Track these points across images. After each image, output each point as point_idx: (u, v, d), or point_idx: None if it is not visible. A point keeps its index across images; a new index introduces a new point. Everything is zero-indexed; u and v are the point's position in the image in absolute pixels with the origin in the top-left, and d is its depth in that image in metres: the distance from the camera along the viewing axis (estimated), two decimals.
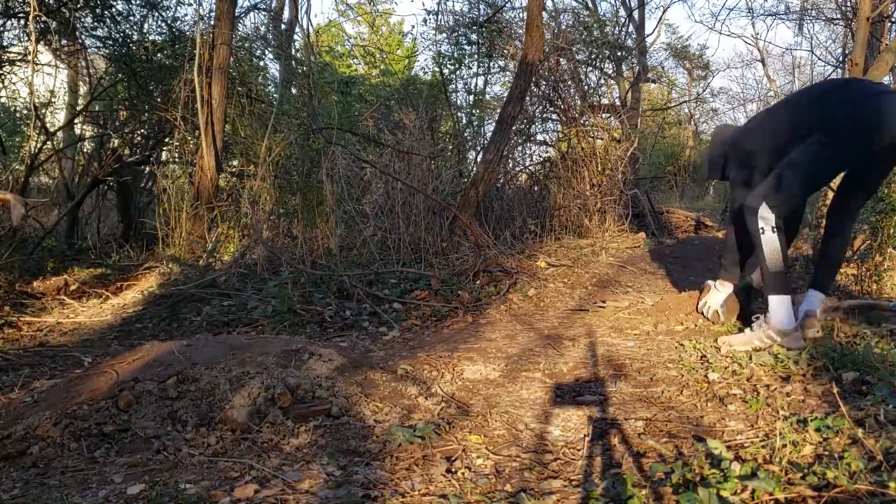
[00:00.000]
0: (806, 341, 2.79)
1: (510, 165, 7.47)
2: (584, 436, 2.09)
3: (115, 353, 3.21)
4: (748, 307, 3.47)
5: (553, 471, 1.80)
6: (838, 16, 13.28)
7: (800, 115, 3.11)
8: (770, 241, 2.94)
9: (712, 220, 9.42)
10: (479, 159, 7.37)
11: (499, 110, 7.00)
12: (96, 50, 6.77)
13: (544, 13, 6.86)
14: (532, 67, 6.09)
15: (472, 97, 9.05)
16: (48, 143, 5.97)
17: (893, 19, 8.49)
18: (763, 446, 1.79)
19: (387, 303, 4.30)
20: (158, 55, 6.56)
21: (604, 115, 8.94)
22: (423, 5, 34.42)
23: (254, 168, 5.88)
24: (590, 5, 13.62)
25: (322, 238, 5.22)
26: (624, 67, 12.52)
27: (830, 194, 5.47)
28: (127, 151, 6.85)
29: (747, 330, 3.07)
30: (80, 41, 6.49)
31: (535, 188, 7.46)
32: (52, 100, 6.93)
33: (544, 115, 8.04)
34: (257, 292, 4.29)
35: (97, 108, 7.04)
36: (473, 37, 8.88)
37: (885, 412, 1.85)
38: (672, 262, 6.12)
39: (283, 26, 10.08)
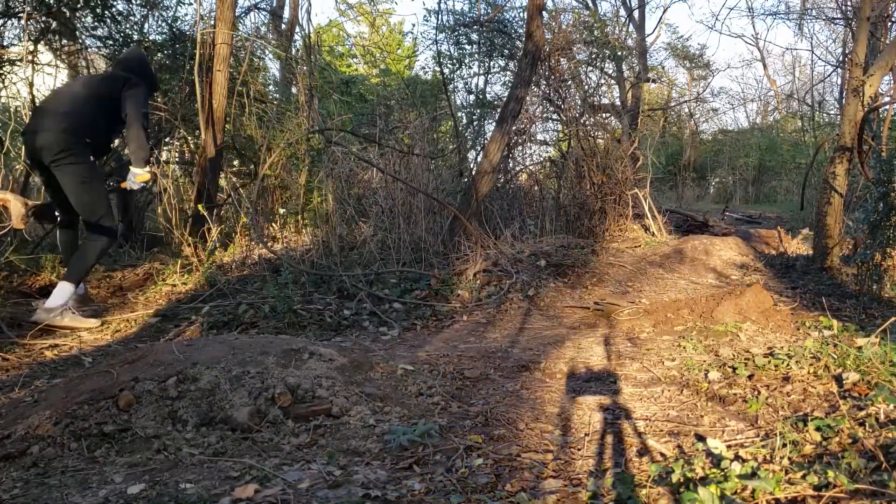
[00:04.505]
0: None
1: (510, 165, 7.46)
2: (585, 435, 2.09)
3: (115, 353, 3.21)
4: None
5: (553, 471, 1.80)
6: (838, 15, 13.28)
7: None
8: None
9: (712, 220, 9.42)
10: (479, 159, 7.37)
11: (499, 111, 7.00)
12: (96, 50, 6.76)
13: (544, 13, 6.85)
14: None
15: (472, 97, 9.06)
16: None
17: (893, 19, 8.49)
18: (763, 446, 1.79)
19: (387, 303, 4.30)
20: (158, 55, 6.56)
21: (604, 115, 8.93)
22: (424, 5, 34.44)
23: (254, 168, 5.88)
24: (590, 5, 13.62)
25: (322, 237, 5.22)
26: (624, 67, 12.52)
27: (835, 196, 5.48)
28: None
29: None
30: (80, 41, 6.48)
31: (536, 188, 7.46)
32: None
33: (545, 115, 8.04)
34: (257, 292, 4.29)
35: None
36: (474, 36, 8.88)
37: (884, 412, 1.85)
38: (672, 261, 6.13)
39: (283, 26, 10.09)
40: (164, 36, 6.77)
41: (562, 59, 7.53)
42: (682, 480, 1.58)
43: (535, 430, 2.14)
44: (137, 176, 3.95)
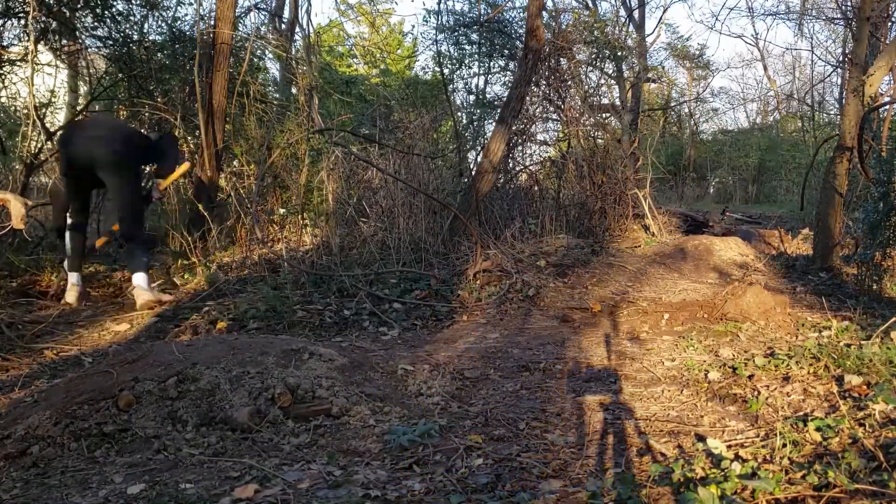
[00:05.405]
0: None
1: (510, 165, 7.46)
2: (584, 435, 2.09)
3: (115, 353, 3.21)
4: None
5: (553, 471, 1.80)
6: (838, 15, 13.29)
7: None
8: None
9: (713, 220, 9.43)
10: (479, 159, 7.37)
11: (499, 110, 7.00)
12: (96, 50, 6.76)
13: (544, 13, 6.85)
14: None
15: (472, 97, 9.06)
16: (48, 143, 5.97)
17: (893, 19, 8.49)
18: (763, 446, 1.79)
19: (387, 303, 4.30)
20: (158, 55, 6.55)
21: (604, 115, 8.93)
22: (424, 5, 34.44)
23: (254, 168, 5.88)
24: (590, 5, 13.61)
25: (322, 237, 5.22)
26: (624, 67, 12.52)
27: (836, 197, 5.46)
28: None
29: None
30: (80, 41, 6.48)
31: (535, 188, 7.45)
32: (52, 100, 6.92)
33: (545, 115, 8.04)
34: (257, 292, 4.28)
35: (97, 108, 7.04)
36: (474, 36, 8.88)
37: (884, 412, 1.85)
38: (673, 261, 6.13)
39: (282, 26, 10.08)
40: (164, 36, 6.77)
41: (562, 60, 7.53)
42: (682, 480, 1.58)
43: (535, 430, 2.14)
44: None
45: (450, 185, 6.78)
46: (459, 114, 8.67)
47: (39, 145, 5.73)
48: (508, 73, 9.00)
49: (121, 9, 6.46)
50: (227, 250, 5.30)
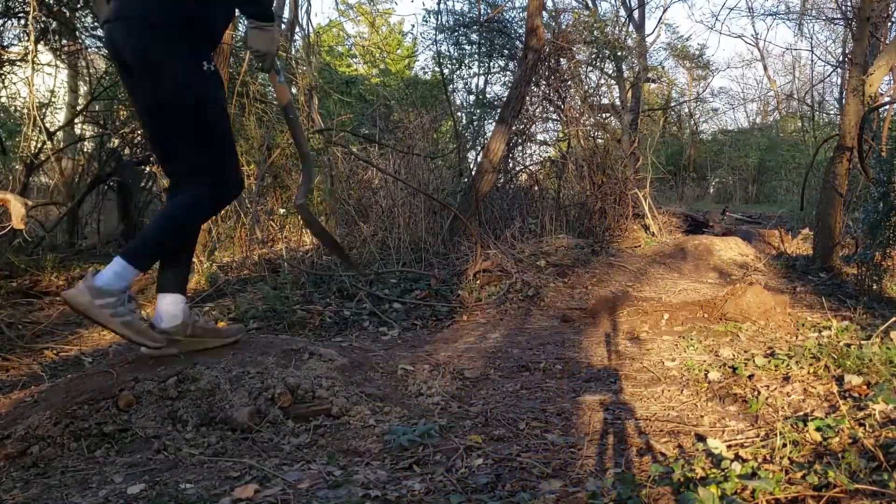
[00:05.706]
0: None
1: (510, 165, 7.47)
2: (584, 435, 2.09)
3: (115, 353, 3.21)
4: None
5: (553, 470, 1.80)
6: (838, 15, 13.30)
7: None
8: None
9: (713, 220, 9.43)
10: (479, 159, 7.37)
11: (499, 110, 7.00)
12: (96, 50, 6.77)
13: (544, 13, 6.85)
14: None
15: (472, 97, 9.06)
16: (48, 143, 5.97)
17: (893, 19, 8.49)
18: (763, 446, 1.79)
19: (387, 303, 4.30)
20: None
21: (604, 115, 8.93)
22: (424, 5, 34.43)
23: (254, 168, 5.88)
24: (590, 5, 13.62)
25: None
26: (624, 67, 12.53)
27: (837, 197, 5.46)
28: (127, 151, 6.84)
29: None
30: (80, 41, 6.48)
31: (535, 188, 7.46)
32: (52, 100, 6.93)
33: (545, 115, 8.04)
34: (257, 292, 4.29)
35: (97, 108, 7.04)
36: (474, 37, 8.88)
37: (884, 412, 1.85)
38: (673, 261, 6.13)
39: (282, 26, 10.07)
40: None
41: (562, 60, 7.53)
42: (682, 480, 1.58)
43: (535, 430, 2.14)
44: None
45: (450, 185, 6.78)
46: (459, 114, 8.67)
47: (39, 145, 5.73)
48: (508, 73, 9.01)
49: None
50: (228, 250, 5.30)
